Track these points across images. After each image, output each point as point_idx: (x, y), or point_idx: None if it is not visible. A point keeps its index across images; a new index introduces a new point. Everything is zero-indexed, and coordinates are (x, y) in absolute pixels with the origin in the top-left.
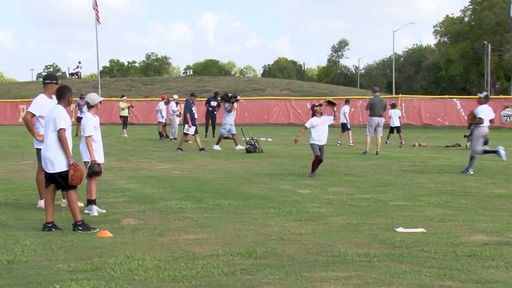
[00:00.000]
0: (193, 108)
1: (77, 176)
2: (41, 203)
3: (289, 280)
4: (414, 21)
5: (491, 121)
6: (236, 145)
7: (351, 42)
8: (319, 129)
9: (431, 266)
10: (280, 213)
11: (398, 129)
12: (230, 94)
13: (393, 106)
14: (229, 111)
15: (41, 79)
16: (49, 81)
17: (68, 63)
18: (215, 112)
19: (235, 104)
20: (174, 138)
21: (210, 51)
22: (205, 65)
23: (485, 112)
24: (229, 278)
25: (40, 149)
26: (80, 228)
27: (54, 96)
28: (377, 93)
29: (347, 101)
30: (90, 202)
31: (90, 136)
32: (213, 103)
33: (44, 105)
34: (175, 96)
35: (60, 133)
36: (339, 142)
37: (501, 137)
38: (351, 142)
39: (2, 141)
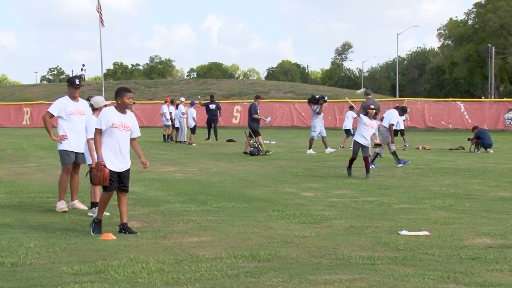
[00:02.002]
0: (258, 111)
1: (98, 176)
2: (59, 204)
3: (292, 283)
4: (418, 24)
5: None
6: (326, 148)
7: (355, 45)
8: (367, 130)
9: (435, 269)
10: (284, 216)
11: (402, 132)
12: (317, 96)
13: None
14: (319, 113)
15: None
16: (68, 84)
17: (72, 65)
18: (215, 115)
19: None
20: (185, 141)
21: (214, 54)
22: (208, 68)
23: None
24: (232, 281)
25: (64, 150)
26: (92, 225)
27: (80, 98)
28: (369, 96)
29: (351, 108)
30: (94, 204)
31: (92, 138)
32: (212, 106)
33: (65, 106)
34: (182, 99)
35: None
36: (341, 146)
37: (505, 140)
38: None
39: (6, 144)
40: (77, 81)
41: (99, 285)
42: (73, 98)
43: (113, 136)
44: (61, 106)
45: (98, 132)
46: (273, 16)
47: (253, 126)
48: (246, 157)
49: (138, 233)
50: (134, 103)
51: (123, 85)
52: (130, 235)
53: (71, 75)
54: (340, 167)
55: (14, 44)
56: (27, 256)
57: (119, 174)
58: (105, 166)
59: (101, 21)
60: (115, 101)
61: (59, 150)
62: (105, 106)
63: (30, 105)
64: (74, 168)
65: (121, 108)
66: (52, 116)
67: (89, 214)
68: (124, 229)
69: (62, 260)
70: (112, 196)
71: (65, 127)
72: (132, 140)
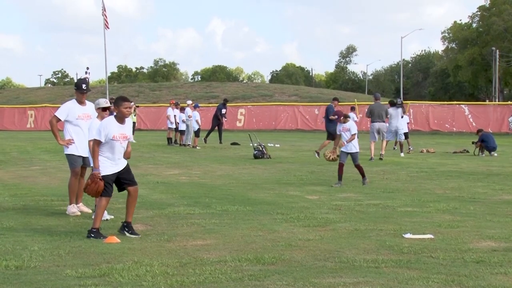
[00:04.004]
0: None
1: (92, 187)
2: (70, 208)
3: (297, 286)
4: (422, 27)
5: None
6: (402, 152)
7: (359, 48)
8: (343, 135)
9: (439, 272)
10: (288, 219)
11: (405, 135)
12: (399, 101)
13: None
14: (402, 116)
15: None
16: (75, 88)
17: (76, 68)
18: (224, 119)
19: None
20: (189, 144)
21: (218, 57)
22: (213, 71)
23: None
24: (237, 284)
25: (71, 155)
26: (92, 235)
27: (87, 102)
28: (378, 100)
29: (352, 108)
30: None
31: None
32: (224, 111)
33: (73, 110)
34: (189, 102)
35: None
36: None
37: (510, 143)
38: None
39: (10, 147)
40: (84, 86)
41: None
42: (80, 102)
43: (113, 147)
44: (68, 110)
45: (97, 143)
46: (278, 20)
47: (331, 128)
48: (250, 160)
49: (140, 236)
50: (138, 106)
51: (128, 88)
52: (135, 238)
53: (75, 78)
54: (344, 171)
55: (19, 48)
56: (31, 259)
57: (118, 175)
58: (100, 179)
59: (106, 24)
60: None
61: (66, 154)
62: (104, 109)
63: (35, 108)
64: (80, 171)
65: (120, 117)
66: (59, 120)
67: (93, 217)
68: (127, 227)
69: (67, 263)
70: (115, 198)
71: (72, 131)
72: None
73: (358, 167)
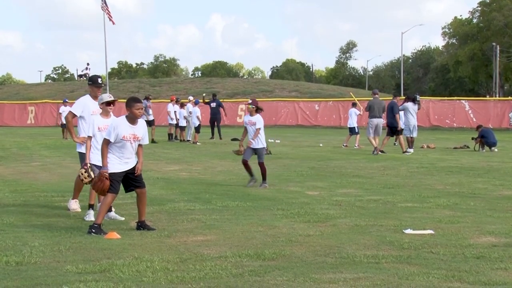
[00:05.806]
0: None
1: (98, 185)
2: (72, 204)
3: (297, 281)
4: (422, 23)
5: None
6: (411, 148)
7: (359, 44)
8: (249, 129)
9: (440, 267)
10: (288, 215)
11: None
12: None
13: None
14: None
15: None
16: (91, 83)
17: (76, 64)
18: (216, 114)
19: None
20: (189, 140)
21: (219, 53)
22: (213, 67)
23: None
24: (237, 279)
25: (82, 153)
26: (93, 231)
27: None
28: (376, 95)
29: (354, 104)
30: (91, 206)
31: (89, 138)
32: (213, 105)
33: (87, 106)
34: (191, 98)
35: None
36: (345, 144)
37: (510, 138)
38: (356, 145)
39: (10, 143)
40: (99, 80)
41: (104, 284)
42: (95, 97)
43: (123, 147)
44: (83, 106)
45: (106, 142)
46: (278, 16)
47: (396, 124)
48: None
49: (156, 229)
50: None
51: (128, 84)
52: (135, 234)
53: (75, 74)
54: (344, 167)
55: (19, 44)
56: (31, 255)
57: (127, 173)
58: (107, 178)
59: (110, 19)
60: (118, 99)
61: (78, 152)
62: (108, 103)
63: (35, 104)
64: None
65: (131, 118)
66: (74, 116)
67: (85, 218)
68: (142, 226)
69: (67, 259)
70: (117, 196)
71: (86, 128)
72: (139, 146)
73: (262, 165)
